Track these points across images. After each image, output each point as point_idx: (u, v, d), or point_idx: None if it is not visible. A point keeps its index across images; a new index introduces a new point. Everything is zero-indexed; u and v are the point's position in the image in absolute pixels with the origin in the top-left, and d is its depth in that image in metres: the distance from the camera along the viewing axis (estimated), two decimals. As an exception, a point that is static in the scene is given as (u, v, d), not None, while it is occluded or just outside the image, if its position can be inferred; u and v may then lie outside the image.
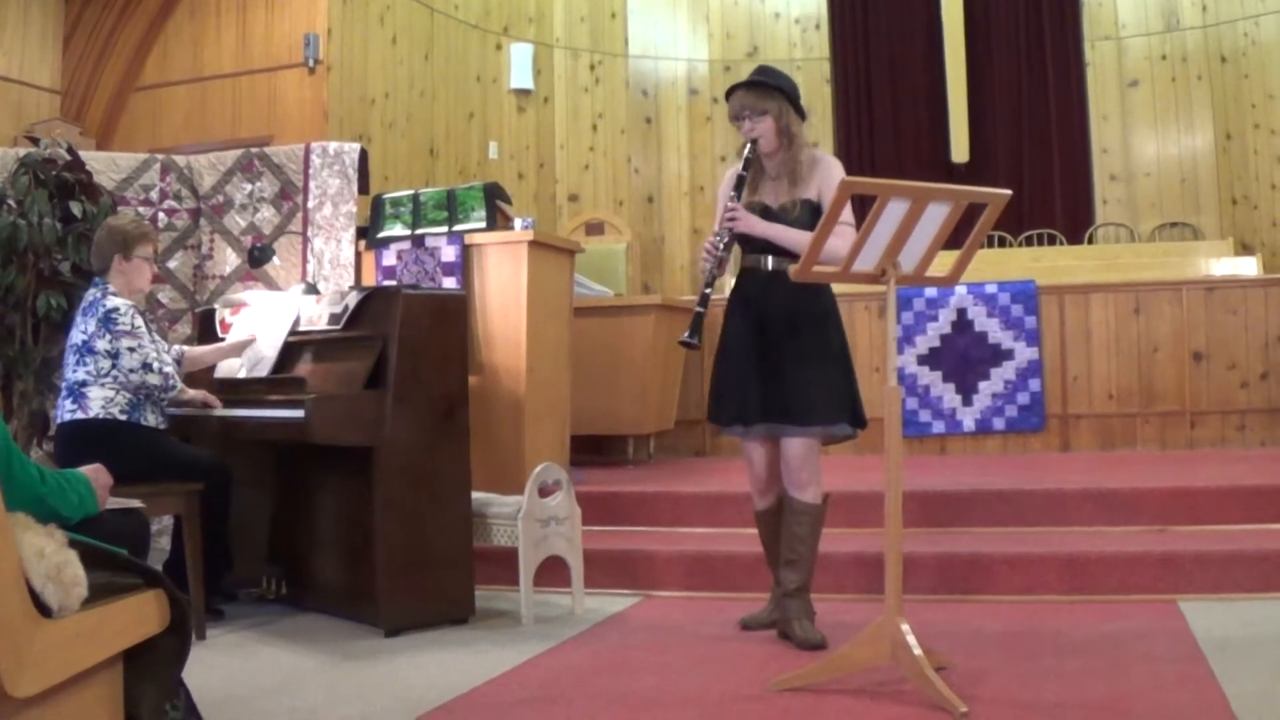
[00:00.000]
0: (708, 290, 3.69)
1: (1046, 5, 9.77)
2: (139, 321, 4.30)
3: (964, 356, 6.96)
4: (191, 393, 4.45)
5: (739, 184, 3.75)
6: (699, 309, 3.67)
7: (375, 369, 4.15)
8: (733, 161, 4.02)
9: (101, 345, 4.23)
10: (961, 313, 6.98)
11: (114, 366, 4.23)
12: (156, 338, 4.45)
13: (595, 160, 9.84)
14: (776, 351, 3.71)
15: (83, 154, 5.41)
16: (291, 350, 4.52)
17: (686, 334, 3.67)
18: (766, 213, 3.75)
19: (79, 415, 4.22)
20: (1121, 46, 9.61)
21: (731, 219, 3.71)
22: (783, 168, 3.80)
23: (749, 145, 3.75)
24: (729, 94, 3.84)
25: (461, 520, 4.33)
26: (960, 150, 9.68)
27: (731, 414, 3.79)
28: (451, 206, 5.53)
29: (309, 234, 5.62)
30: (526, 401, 5.21)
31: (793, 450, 3.76)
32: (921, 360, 7.01)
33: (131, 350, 4.23)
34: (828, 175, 3.80)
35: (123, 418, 4.25)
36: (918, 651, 3.06)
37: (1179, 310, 6.87)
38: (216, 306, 5.16)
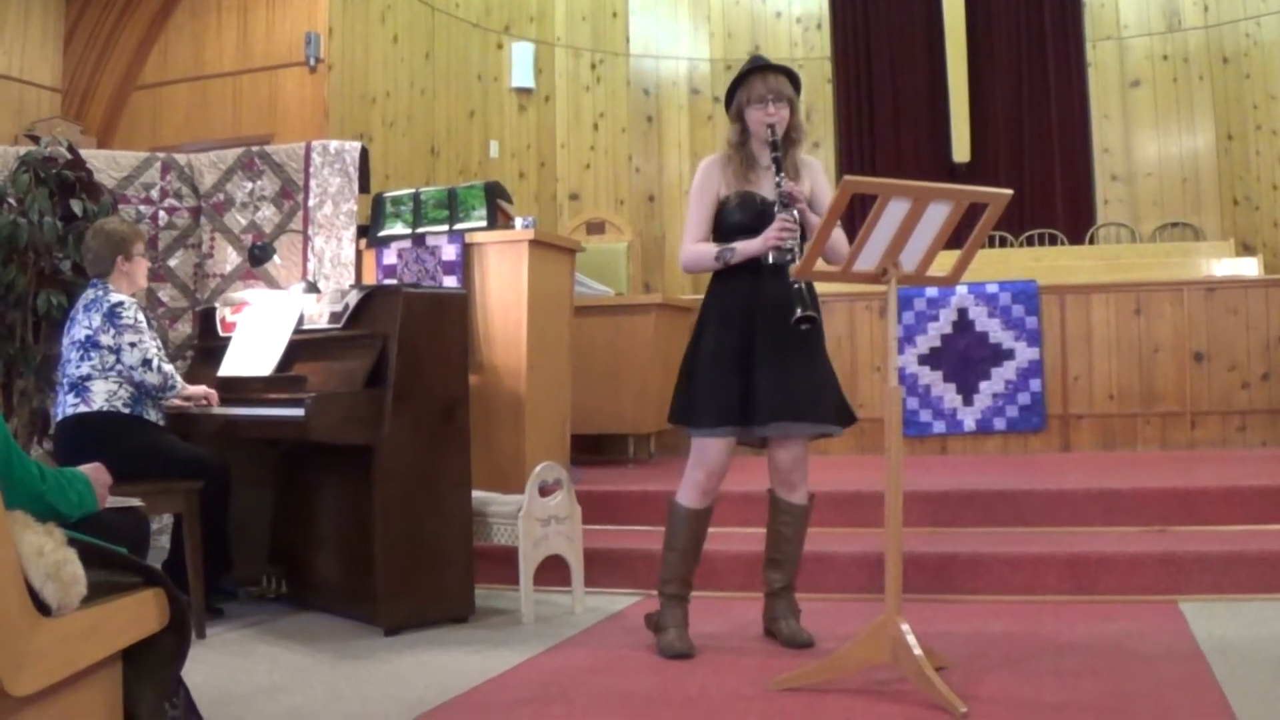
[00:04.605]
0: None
1: (1048, 5, 9.75)
2: (141, 317, 4.31)
3: (965, 356, 6.96)
4: (192, 389, 4.45)
5: (778, 166, 3.60)
6: (800, 284, 3.44)
7: (375, 368, 4.15)
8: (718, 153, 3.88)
9: (106, 340, 4.24)
10: (962, 313, 6.97)
11: (118, 361, 4.24)
12: (156, 336, 4.45)
13: (596, 159, 9.83)
14: (779, 349, 3.59)
15: (83, 152, 5.41)
16: (292, 349, 4.52)
17: (805, 309, 3.41)
18: (765, 204, 3.67)
19: (82, 408, 4.23)
20: (1123, 46, 9.60)
21: (799, 201, 3.57)
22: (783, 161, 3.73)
23: (772, 129, 3.63)
24: (750, 73, 3.70)
25: (461, 519, 4.32)
26: (961, 150, 9.67)
27: (724, 415, 3.60)
28: (452, 205, 5.53)
29: (309, 232, 5.61)
30: (527, 400, 5.21)
31: (793, 451, 3.73)
32: (922, 360, 7.00)
33: (133, 346, 4.24)
34: (819, 174, 3.83)
35: (126, 411, 4.26)
36: (918, 651, 3.06)
37: (1180, 311, 6.87)
38: (217, 305, 5.16)
